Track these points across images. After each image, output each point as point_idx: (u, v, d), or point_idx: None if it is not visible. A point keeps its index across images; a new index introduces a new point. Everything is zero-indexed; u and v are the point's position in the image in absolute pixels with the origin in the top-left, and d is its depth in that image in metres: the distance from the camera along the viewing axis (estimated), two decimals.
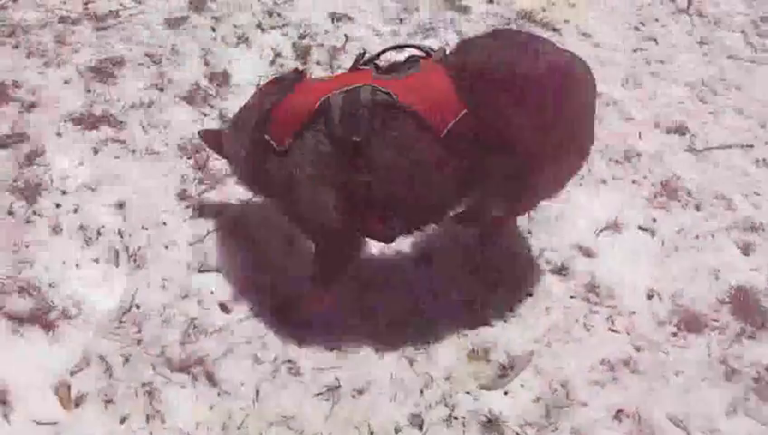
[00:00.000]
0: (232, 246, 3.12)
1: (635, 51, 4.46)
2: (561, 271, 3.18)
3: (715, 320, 3.05)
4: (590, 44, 4.44)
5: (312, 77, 2.98)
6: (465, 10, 4.54)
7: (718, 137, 3.97)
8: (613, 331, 2.98)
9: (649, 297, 3.13)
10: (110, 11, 4.30)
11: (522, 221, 3.37)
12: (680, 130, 3.95)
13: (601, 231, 3.38)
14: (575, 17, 4.63)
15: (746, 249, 3.39)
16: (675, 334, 3.00)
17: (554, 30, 4.48)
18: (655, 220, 3.46)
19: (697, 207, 3.56)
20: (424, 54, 2.71)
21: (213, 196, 3.31)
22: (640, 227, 3.44)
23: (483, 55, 2.57)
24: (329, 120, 2.52)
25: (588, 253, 3.28)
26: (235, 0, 4.42)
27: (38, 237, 3.09)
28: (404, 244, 3.18)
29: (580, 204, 3.48)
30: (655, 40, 4.59)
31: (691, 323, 3.03)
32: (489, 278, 3.14)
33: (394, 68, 2.68)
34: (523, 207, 3.05)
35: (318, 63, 4.06)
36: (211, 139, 3.04)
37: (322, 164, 2.55)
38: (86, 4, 4.35)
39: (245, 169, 2.82)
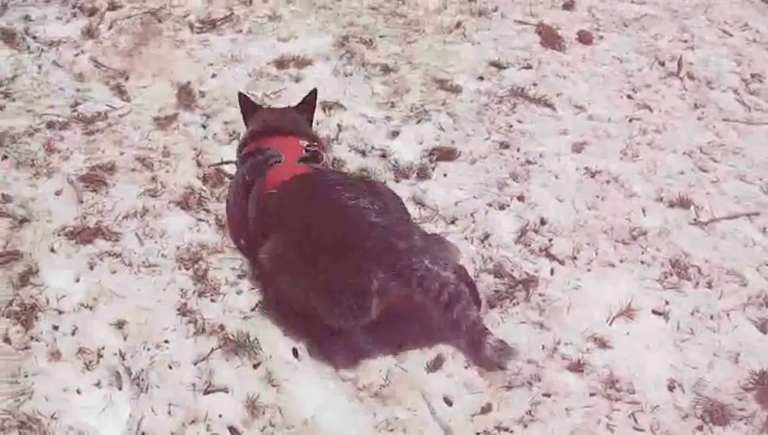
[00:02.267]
0: (237, 364, 3.01)
1: (630, 120, 4.43)
2: (577, 367, 3.08)
3: (741, 409, 2.95)
4: (584, 117, 4.41)
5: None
6: (456, 90, 4.50)
7: (722, 207, 3.91)
8: (638, 429, 2.88)
9: (671, 389, 3.04)
10: (98, 112, 4.27)
11: (533, 314, 3.29)
12: (683, 202, 3.89)
13: (614, 319, 3.29)
14: (567, 89, 4.59)
15: (763, 327, 3.31)
16: (701, 428, 2.90)
17: (547, 105, 4.44)
18: (667, 303, 3.39)
19: (709, 285, 3.49)
20: None
21: (214, 308, 3.22)
22: (654, 311, 3.36)
23: None
24: None
25: (603, 344, 3.19)
26: (224, 94, 4.39)
27: (37, 365, 2.99)
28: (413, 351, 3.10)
29: (590, 291, 3.41)
30: (649, 107, 4.55)
31: (716, 415, 2.93)
32: (503, 379, 3.04)
33: None
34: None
35: None
36: (247, 106, 3.81)
37: None
38: (74, 106, 4.31)
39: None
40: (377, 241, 2.97)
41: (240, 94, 3.84)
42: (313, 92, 3.80)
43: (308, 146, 3.49)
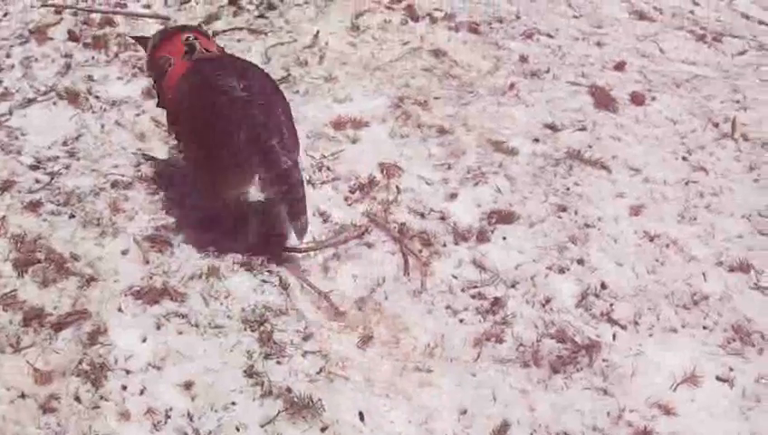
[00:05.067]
0: (304, 427, 3.04)
1: (686, 183, 4.43)
2: (643, 434, 3.08)
3: None
4: (640, 180, 4.42)
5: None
6: (512, 152, 4.54)
7: None
8: None
9: None
10: (160, 172, 4.34)
11: (596, 380, 3.29)
12: (743, 267, 3.88)
13: (678, 385, 3.29)
14: (622, 151, 4.61)
15: None
16: None
17: (603, 167, 4.46)
18: (732, 369, 3.38)
19: None
20: None
21: (281, 371, 3.25)
22: (718, 378, 3.35)
23: None
24: None
25: (668, 411, 3.19)
26: None
27: (107, 424, 3.05)
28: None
29: (653, 357, 3.42)
30: (704, 169, 4.55)
31: None
32: None
33: None
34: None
35: (372, 217, 4.03)
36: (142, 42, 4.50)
37: None
38: (137, 166, 4.41)
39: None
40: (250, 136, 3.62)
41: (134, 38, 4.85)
42: None
43: (186, 40, 4.11)
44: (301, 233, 3.65)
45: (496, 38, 5.75)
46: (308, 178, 4.27)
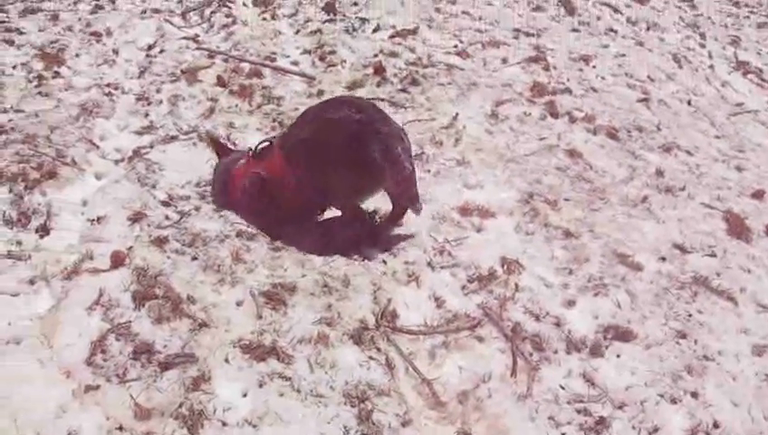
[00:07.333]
0: None
1: None
2: None
3: None
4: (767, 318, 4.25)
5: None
6: (637, 267, 4.44)
7: None
8: None
9: None
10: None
11: None
12: None
13: None
14: (752, 285, 4.45)
15: None
16: None
17: (730, 298, 4.31)
18: None
19: None
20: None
21: None
22: None
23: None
24: None
25: None
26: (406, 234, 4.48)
27: None
28: None
29: None
30: None
31: None
32: None
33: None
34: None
35: (487, 310, 3.98)
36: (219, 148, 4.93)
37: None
38: None
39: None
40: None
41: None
42: None
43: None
44: (418, 211, 4.38)
45: (634, 147, 5.70)
46: (428, 260, 4.27)
